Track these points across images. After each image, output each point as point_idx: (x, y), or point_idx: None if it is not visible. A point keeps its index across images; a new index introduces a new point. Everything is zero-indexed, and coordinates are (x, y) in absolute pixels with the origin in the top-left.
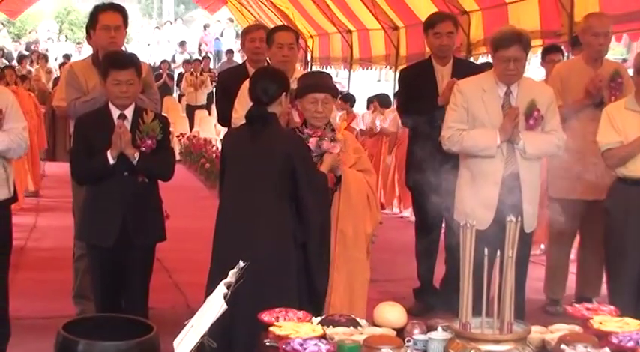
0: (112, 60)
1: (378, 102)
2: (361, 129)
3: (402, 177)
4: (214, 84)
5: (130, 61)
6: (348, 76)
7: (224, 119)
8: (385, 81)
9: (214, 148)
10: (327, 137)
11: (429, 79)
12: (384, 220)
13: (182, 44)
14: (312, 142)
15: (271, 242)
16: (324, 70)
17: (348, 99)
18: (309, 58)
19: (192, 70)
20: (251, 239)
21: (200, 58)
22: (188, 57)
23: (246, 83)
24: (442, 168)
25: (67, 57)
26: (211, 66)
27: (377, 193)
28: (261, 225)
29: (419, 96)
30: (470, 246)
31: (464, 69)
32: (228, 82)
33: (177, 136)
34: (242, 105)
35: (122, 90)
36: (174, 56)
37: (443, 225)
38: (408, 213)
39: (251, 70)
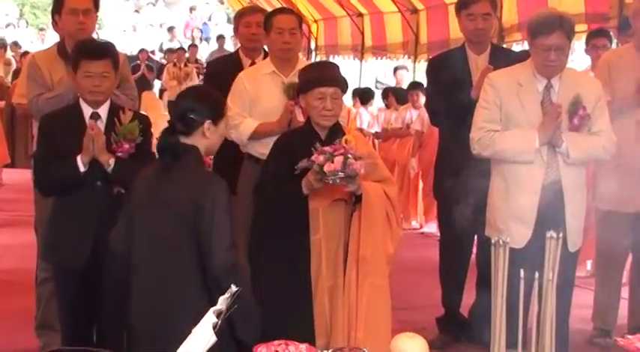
0: (84, 49)
1: (395, 96)
2: (376, 132)
3: (427, 185)
4: (202, 77)
5: (105, 51)
6: (359, 67)
7: None
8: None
9: None
10: (351, 154)
11: (462, 69)
12: (403, 236)
13: (170, 30)
14: (337, 162)
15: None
16: (331, 60)
17: (365, 96)
18: (313, 46)
19: (175, 60)
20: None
21: (184, 46)
22: (178, 45)
23: (241, 76)
24: (478, 175)
25: (14, 43)
26: (198, 55)
27: (398, 206)
28: (172, 313)
29: (451, 90)
30: (503, 267)
31: (503, 58)
32: (218, 74)
33: (158, 139)
34: (236, 102)
35: (95, 83)
36: (161, 44)
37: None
38: (431, 228)
39: (246, 61)
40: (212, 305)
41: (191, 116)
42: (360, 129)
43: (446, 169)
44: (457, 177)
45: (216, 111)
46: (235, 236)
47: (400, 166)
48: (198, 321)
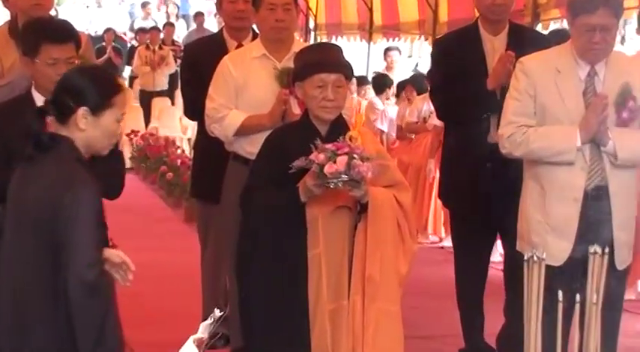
0: (45, 30)
1: (414, 86)
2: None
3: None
4: (180, 61)
5: (69, 33)
6: (367, 50)
7: (193, 110)
8: (418, 57)
9: (180, 151)
10: (357, 154)
11: (475, 53)
12: (417, 251)
13: (144, 5)
14: (340, 162)
15: None
16: (333, 41)
17: (379, 83)
18: (311, 24)
19: (148, 41)
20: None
21: (158, 25)
22: (152, 24)
23: (226, 60)
24: (494, 178)
25: None
26: (175, 36)
27: (413, 216)
28: (29, 328)
29: (460, 77)
30: (538, 288)
31: (523, 39)
32: (198, 58)
33: (128, 134)
34: (219, 91)
35: (60, 72)
36: (132, 23)
37: (496, 259)
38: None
39: (231, 42)
40: (70, 323)
41: (65, 99)
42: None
43: (452, 172)
44: (467, 182)
45: (99, 98)
46: (100, 252)
47: (415, 168)
48: (57, 337)
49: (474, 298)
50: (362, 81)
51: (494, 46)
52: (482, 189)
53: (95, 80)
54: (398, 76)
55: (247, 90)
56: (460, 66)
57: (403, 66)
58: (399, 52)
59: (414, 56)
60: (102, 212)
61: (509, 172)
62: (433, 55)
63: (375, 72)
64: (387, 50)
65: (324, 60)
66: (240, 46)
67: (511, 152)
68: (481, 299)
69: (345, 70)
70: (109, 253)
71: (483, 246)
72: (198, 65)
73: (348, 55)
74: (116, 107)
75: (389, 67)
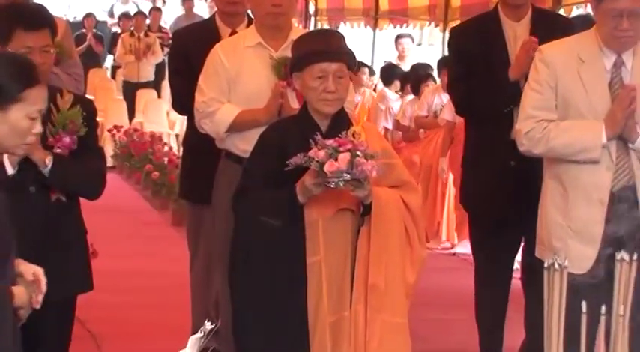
0: (18, 15)
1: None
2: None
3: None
4: (167, 50)
5: (45, 19)
6: (372, 38)
7: (182, 103)
8: (428, 45)
9: (167, 148)
10: (361, 151)
11: (496, 41)
12: (428, 258)
13: None
14: (342, 160)
15: None
16: (335, 28)
17: (388, 73)
18: (311, 10)
19: (132, 28)
20: None
21: (144, 10)
22: (136, 8)
23: (217, 49)
24: (518, 178)
25: None
26: (162, 21)
27: (422, 219)
28: None
29: (480, 67)
30: (560, 298)
31: (548, 25)
32: (188, 46)
33: (110, 130)
34: (210, 83)
35: (35, 61)
36: (112, 8)
37: (516, 267)
38: (466, 248)
39: (224, 29)
40: None
41: None
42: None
43: (474, 172)
44: (491, 182)
45: (4, 90)
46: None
47: (425, 167)
48: None
49: (496, 311)
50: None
51: (516, 32)
52: (505, 190)
53: (3, 69)
54: (410, 66)
55: (240, 82)
56: (480, 55)
57: (415, 55)
58: (412, 39)
59: (424, 44)
60: (5, 223)
61: (535, 171)
62: (451, 45)
63: (385, 61)
64: (398, 38)
65: (325, 48)
66: (234, 32)
67: (530, 149)
68: (503, 313)
69: (348, 58)
70: (24, 268)
71: (506, 253)
72: (188, 54)
73: (351, 43)
74: (27, 102)
75: (401, 56)
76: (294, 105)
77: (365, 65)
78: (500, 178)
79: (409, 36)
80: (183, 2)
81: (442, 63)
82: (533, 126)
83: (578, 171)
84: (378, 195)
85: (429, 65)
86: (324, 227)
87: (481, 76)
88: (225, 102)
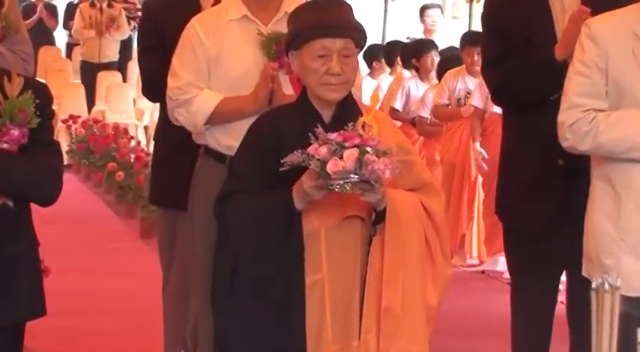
0: None
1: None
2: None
3: (491, 198)
4: (135, 24)
5: None
6: (383, 9)
7: (153, 88)
8: (452, 18)
9: (134, 143)
10: (371, 146)
11: (541, 14)
12: (452, 277)
13: None
14: (348, 158)
15: None
16: None
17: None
18: None
19: None
20: None
21: None
22: None
23: (194, 24)
24: (567, 180)
25: None
26: None
27: (446, 230)
28: None
29: (521, 46)
30: (610, 325)
31: None
32: (162, 18)
33: (65, 121)
34: (185, 64)
35: None
36: None
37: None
38: (497, 265)
39: None
40: None
41: None
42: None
43: (514, 175)
44: (532, 186)
45: None
46: None
47: (447, 166)
48: None
49: (536, 341)
50: (374, 52)
51: (564, 4)
52: (550, 195)
53: None
54: (441, 43)
55: (223, 63)
56: (521, 31)
57: (446, 29)
58: (441, 10)
59: (446, 16)
60: None
61: (588, 172)
62: (485, 18)
63: (409, 38)
64: (424, 9)
65: (328, 21)
66: (218, 2)
67: (574, 145)
68: (546, 344)
69: (356, 33)
70: None
71: (550, 271)
72: (161, 28)
73: (359, 15)
74: None
75: (428, 31)
76: (288, 91)
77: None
78: (545, 181)
79: (438, 6)
80: None
81: (467, 40)
82: (579, 118)
83: (634, 171)
84: (394, 200)
85: (423, 42)
86: (327, 238)
87: (522, 56)
88: (204, 87)
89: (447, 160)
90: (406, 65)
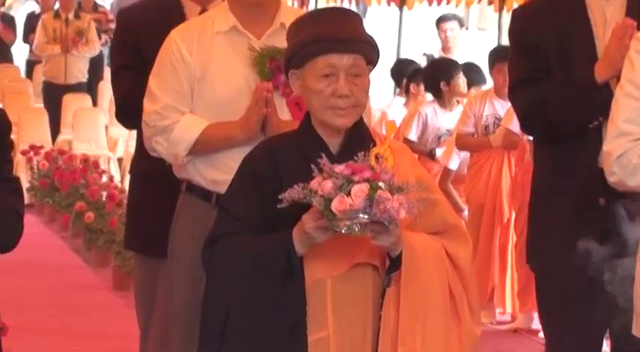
0: None
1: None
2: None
3: (524, 241)
4: (106, 37)
5: None
6: (399, 20)
7: (128, 112)
8: (478, 30)
9: (105, 179)
10: (384, 181)
11: (578, 27)
12: (481, 336)
13: None
14: (356, 195)
15: None
16: (348, 6)
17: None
18: None
19: (57, 6)
20: None
21: None
22: None
23: (174, 37)
24: (610, 222)
25: None
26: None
27: (474, 280)
28: None
29: (555, 65)
30: None
31: None
32: (140, 31)
33: (25, 152)
34: (164, 84)
35: None
36: None
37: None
38: (534, 323)
39: (191, 7)
40: None
41: None
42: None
43: (546, 215)
44: (568, 232)
45: None
46: None
47: (475, 207)
48: None
49: None
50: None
51: (605, 15)
52: (590, 240)
53: None
54: (461, 59)
55: (208, 83)
56: (556, 47)
57: (471, 43)
58: (460, 22)
59: (472, 28)
60: None
61: (636, 213)
62: (513, 32)
63: (426, 55)
64: (440, 21)
65: (333, 34)
66: (205, 11)
67: (623, 180)
68: None
69: (366, 48)
70: None
71: (593, 330)
72: (139, 43)
73: (370, 28)
74: None
75: (445, 48)
76: (284, 116)
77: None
78: (583, 224)
79: (455, 18)
80: None
81: (497, 55)
82: (628, 148)
83: None
84: (411, 244)
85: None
86: (333, 290)
87: (557, 76)
88: (186, 111)
89: (474, 200)
90: (429, 88)
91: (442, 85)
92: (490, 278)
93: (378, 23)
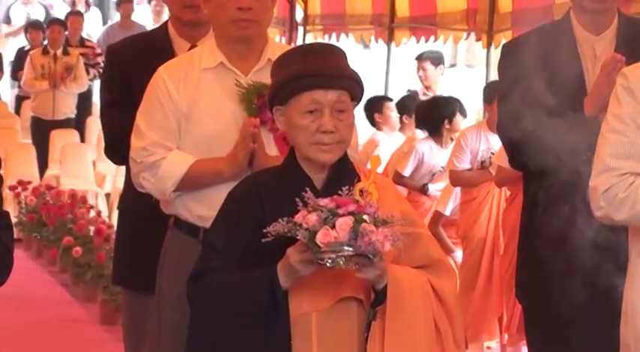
0: None
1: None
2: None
3: (513, 271)
4: (95, 72)
5: None
6: (386, 55)
7: (116, 148)
8: (466, 66)
9: (93, 214)
10: (369, 214)
11: (568, 62)
12: None
13: None
14: (341, 227)
15: None
16: (334, 42)
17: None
18: (299, 16)
19: (46, 41)
20: None
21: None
22: (44, 13)
23: (162, 73)
24: (600, 257)
25: None
26: (84, 33)
27: (459, 313)
28: None
29: (544, 101)
30: None
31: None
32: (128, 67)
33: (13, 188)
34: (151, 121)
35: None
36: (8, 10)
37: None
38: None
39: (180, 44)
40: None
41: None
42: None
43: (534, 248)
44: (556, 264)
45: None
46: None
47: (477, 242)
48: None
49: None
50: (377, 104)
51: (595, 51)
52: (578, 276)
53: None
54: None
55: (195, 119)
56: (545, 84)
57: (451, 80)
58: (437, 60)
59: (459, 64)
60: None
61: (625, 248)
62: (502, 68)
63: (409, 91)
64: (418, 59)
65: (318, 70)
66: (194, 47)
67: (609, 215)
68: None
69: (351, 84)
70: None
71: None
72: (128, 79)
73: (355, 64)
74: None
75: (425, 85)
76: (272, 152)
77: (388, 98)
78: (571, 258)
79: (432, 55)
80: (118, 6)
81: (488, 91)
82: (614, 183)
83: None
84: (396, 277)
85: (453, 100)
86: (318, 324)
87: (546, 112)
88: (174, 147)
89: (475, 235)
90: (427, 126)
91: (445, 123)
92: (496, 309)
93: (363, 59)
